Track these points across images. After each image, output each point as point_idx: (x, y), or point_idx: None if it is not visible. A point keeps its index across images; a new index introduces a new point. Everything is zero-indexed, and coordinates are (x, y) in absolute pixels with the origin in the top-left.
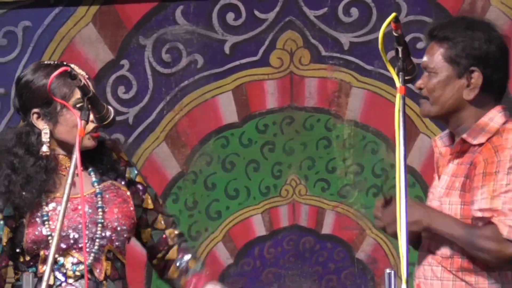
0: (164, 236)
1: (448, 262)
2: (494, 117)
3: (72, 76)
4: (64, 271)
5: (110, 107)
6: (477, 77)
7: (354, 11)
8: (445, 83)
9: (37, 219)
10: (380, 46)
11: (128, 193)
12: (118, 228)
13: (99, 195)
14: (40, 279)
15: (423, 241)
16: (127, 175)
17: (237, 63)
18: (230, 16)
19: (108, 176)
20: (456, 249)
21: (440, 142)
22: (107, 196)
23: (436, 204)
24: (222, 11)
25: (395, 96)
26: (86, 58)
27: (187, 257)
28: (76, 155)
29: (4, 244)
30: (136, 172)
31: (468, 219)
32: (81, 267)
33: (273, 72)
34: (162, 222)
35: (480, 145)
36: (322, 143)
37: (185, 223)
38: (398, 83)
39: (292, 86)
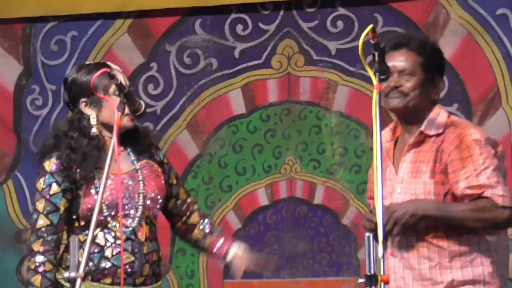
0: (186, 203)
1: (423, 232)
2: (439, 112)
3: (110, 76)
4: (113, 234)
5: (141, 101)
6: (441, 82)
7: (340, 23)
8: (422, 85)
9: (91, 191)
10: (360, 52)
11: (160, 169)
12: (155, 198)
13: (139, 171)
14: (92, 240)
15: None
16: (157, 157)
17: (244, 65)
18: (239, 27)
19: (143, 156)
20: (429, 221)
21: (383, 139)
22: (144, 171)
23: (403, 186)
24: (232, 23)
25: (373, 92)
26: (122, 61)
27: (208, 220)
28: (114, 140)
29: (62, 212)
30: (163, 155)
31: (440, 196)
32: (128, 230)
33: (274, 73)
34: (184, 193)
35: (438, 135)
36: (314, 130)
37: (202, 195)
38: (375, 82)
39: (289, 84)
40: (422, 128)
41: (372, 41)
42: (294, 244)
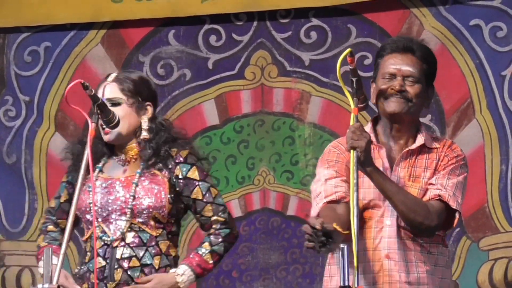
0: (209, 221)
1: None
2: (427, 131)
3: (84, 86)
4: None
5: (115, 113)
6: (432, 89)
7: (313, 34)
8: (424, 91)
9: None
10: (338, 76)
11: (167, 184)
12: (144, 210)
13: (136, 180)
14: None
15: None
16: (176, 172)
17: (218, 76)
18: (212, 38)
19: (153, 166)
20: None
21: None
22: (142, 183)
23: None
24: (206, 34)
25: (346, 103)
26: (95, 72)
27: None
28: (87, 151)
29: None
30: (188, 169)
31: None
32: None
33: (247, 84)
34: (211, 210)
35: (436, 148)
36: (287, 141)
37: None
38: (352, 105)
39: (263, 95)
40: (425, 142)
41: (350, 67)
42: (268, 255)
